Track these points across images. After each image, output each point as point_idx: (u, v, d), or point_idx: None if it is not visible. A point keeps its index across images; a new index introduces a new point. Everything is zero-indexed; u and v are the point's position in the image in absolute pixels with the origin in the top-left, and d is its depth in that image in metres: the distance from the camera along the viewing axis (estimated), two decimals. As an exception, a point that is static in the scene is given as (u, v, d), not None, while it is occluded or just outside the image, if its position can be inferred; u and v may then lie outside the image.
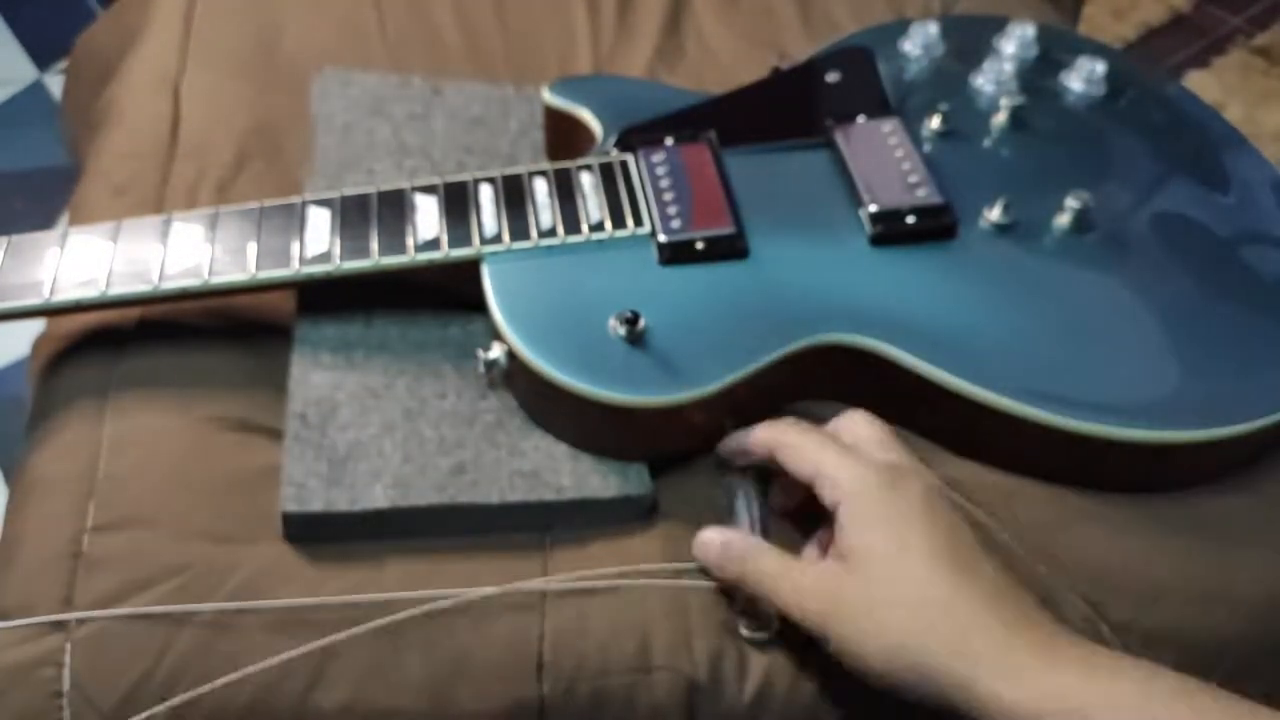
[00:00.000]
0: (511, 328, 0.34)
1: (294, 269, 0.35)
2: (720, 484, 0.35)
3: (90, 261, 0.36)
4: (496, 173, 0.38)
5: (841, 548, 0.30)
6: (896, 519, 0.29)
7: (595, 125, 0.41)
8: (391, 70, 0.47)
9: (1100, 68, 0.43)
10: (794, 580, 0.30)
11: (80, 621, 0.31)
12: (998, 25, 0.45)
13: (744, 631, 0.32)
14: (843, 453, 0.31)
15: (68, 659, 0.31)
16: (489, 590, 0.32)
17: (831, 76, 0.43)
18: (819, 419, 0.37)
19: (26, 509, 0.35)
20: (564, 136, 0.43)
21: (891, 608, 0.28)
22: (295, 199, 0.37)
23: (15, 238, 0.36)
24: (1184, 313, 0.37)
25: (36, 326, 0.40)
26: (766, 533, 0.33)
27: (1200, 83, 1.03)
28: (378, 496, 0.33)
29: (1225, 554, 0.35)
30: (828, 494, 0.31)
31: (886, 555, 0.29)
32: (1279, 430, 0.35)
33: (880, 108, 0.41)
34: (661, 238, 0.36)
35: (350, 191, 0.38)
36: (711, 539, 0.32)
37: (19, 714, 0.31)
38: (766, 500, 0.34)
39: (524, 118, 0.45)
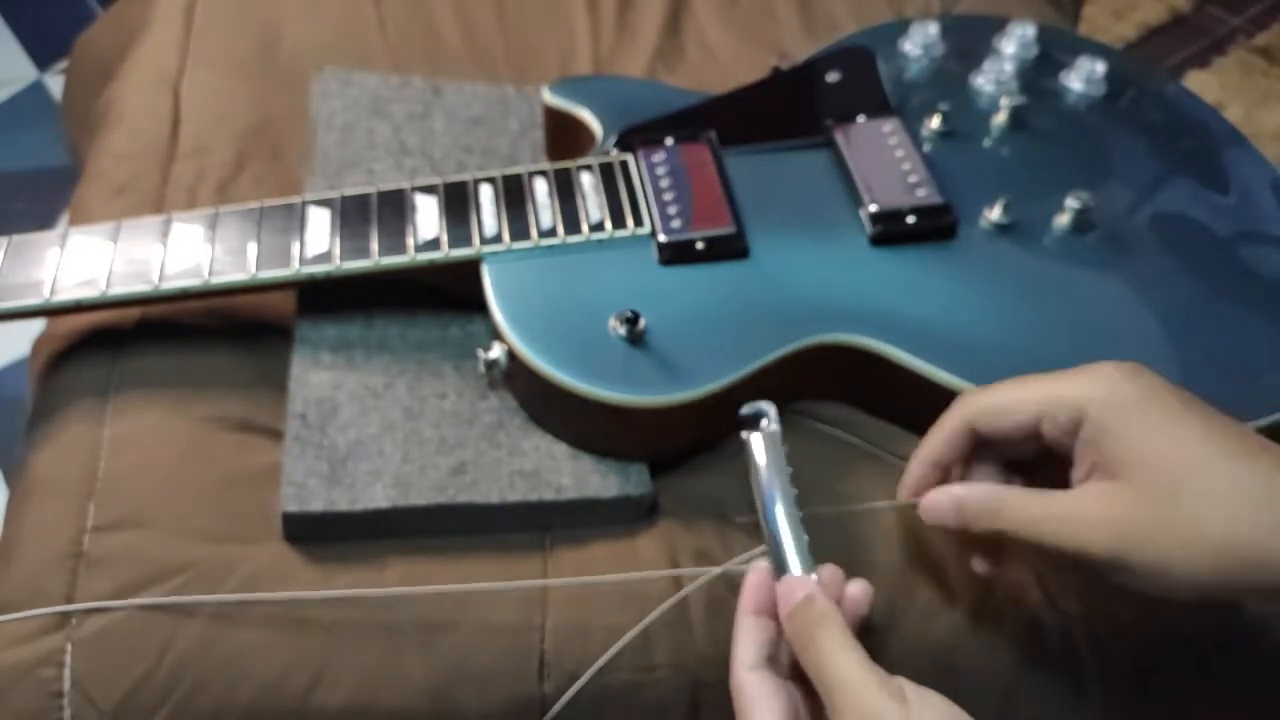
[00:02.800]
0: (511, 328, 0.34)
1: (294, 269, 0.35)
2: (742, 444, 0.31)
3: (90, 261, 0.36)
4: (496, 173, 0.38)
5: (1110, 465, 0.26)
6: (1161, 414, 0.26)
7: (595, 125, 0.41)
8: (391, 70, 0.47)
9: (1100, 68, 0.43)
10: (1066, 515, 0.26)
11: (80, 621, 0.31)
12: (998, 25, 0.45)
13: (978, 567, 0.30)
14: (1061, 375, 0.28)
15: (68, 659, 0.31)
16: (492, 586, 0.32)
17: (832, 76, 0.43)
18: (819, 419, 0.37)
19: (27, 509, 0.35)
20: (564, 136, 0.43)
21: (1206, 507, 0.25)
22: (295, 199, 0.37)
23: (15, 238, 0.36)
24: (1183, 312, 0.37)
25: (37, 326, 0.40)
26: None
27: (1200, 83, 1.03)
28: (378, 496, 0.33)
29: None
30: (1063, 417, 0.27)
31: (1173, 455, 0.25)
32: (1271, 434, 0.35)
33: (880, 107, 0.41)
34: (661, 238, 0.36)
35: (350, 191, 0.38)
36: (941, 500, 0.29)
37: (19, 713, 0.31)
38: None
39: (524, 118, 0.45)
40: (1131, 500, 0.26)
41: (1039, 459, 0.29)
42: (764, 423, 0.30)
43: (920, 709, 0.24)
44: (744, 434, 0.30)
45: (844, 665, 0.25)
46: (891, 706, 0.24)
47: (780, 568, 0.28)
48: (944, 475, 0.30)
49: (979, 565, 0.30)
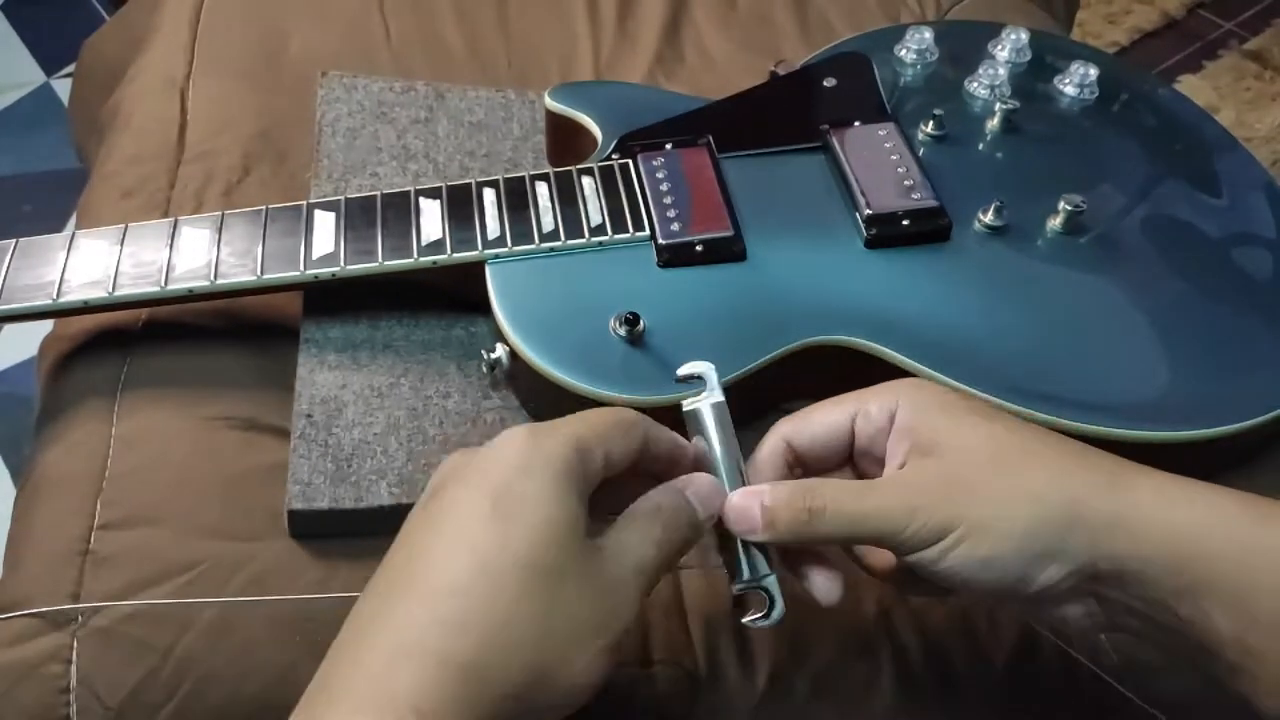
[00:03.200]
0: (514, 328, 0.35)
1: (300, 271, 0.36)
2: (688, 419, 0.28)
3: (98, 263, 0.36)
4: (499, 176, 0.39)
5: (922, 444, 0.26)
6: (959, 401, 0.27)
7: (596, 130, 0.42)
8: (396, 75, 0.48)
9: (1093, 72, 0.44)
10: (886, 499, 0.26)
11: (87, 618, 0.32)
12: (992, 31, 0.46)
13: (748, 620, 0.28)
14: (861, 393, 0.28)
15: (75, 655, 0.31)
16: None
17: (828, 82, 0.44)
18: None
19: (35, 507, 0.35)
20: (565, 141, 0.43)
21: (1025, 459, 0.25)
22: (301, 202, 0.38)
23: (24, 240, 0.37)
24: (1175, 314, 0.37)
25: (45, 327, 0.41)
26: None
27: (1192, 87, 1.04)
28: (382, 494, 0.33)
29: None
30: (875, 411, 0.27)
31: (984, 424, 0.26)
32: (1269, 430, 0.36)
33: (876, 112, 0.42)
34: (661, 240, 0.37)
35: (355, 195, 0.38)
36: (748, 503, 0.26)
37: (26, 709, 0.31)
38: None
39: (526, 122, 0.46)
40: (959, 468, 0.26)
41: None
42: (707, 392, 0.28)
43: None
44: (688, 405, 0.28)
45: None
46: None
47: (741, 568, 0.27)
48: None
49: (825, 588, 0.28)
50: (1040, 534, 0.25)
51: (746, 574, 0.27)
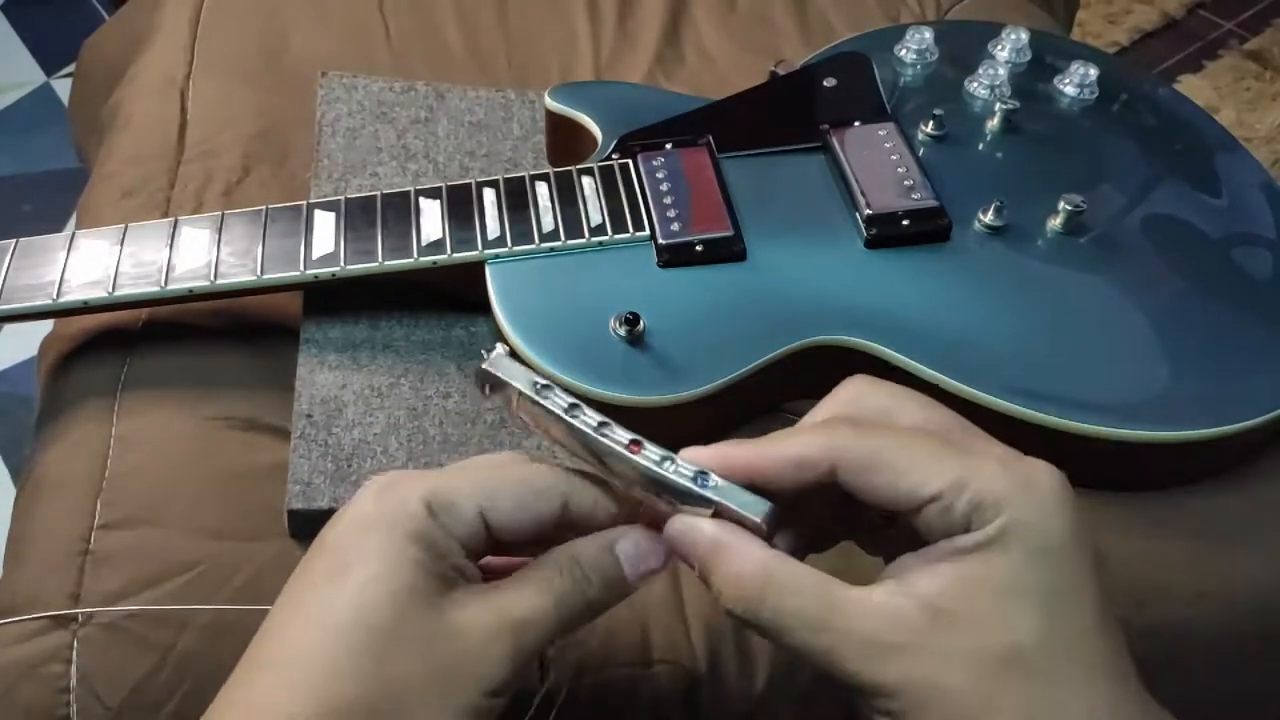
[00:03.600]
0: (514, 328, 0.35)
1: (300, 271, 0.36)
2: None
3: (98, 263, 0.36)
4: (499, 176, 0.39)
5: (942, 599, 0.20)
6: (1067, 573, 0.20)
7: (596, 130, 0.42)
8: (396, 75, 0.48)
9: (1093, 72, 0.44)
10: (846, 637, 0.20)
11: (87, 618, 0.32)
12: (992, 31, 0.46)
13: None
14: (980, 454, 0.21)
15: (75, 655, 0.31)
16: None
17: (828, 82, 0.44)
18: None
19: (35, 507, 0.35)
20: (565, 141, 0.43)
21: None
22: (301, 202, 0.38)
23: (24, 240, 0.37)
24: (1175, 314, 0.37)
25: (45, 327, 0.41)
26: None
27: (1192, 87, 1.04)
28: (382, 494, 0.33)
29: (1216, 554, 0.35)
30: (964, 503, 0.20)
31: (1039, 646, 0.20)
32: (1270, 431, 0.36)
33: (876, 112, 0.42)
34: (661, 240, 0.37)
35: (355, 195, 0.38)
36: (700, 533, 0.22)
37: (26, 709, 0.31)
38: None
39: (526, 122, 0.46)
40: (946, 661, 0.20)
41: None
42: (495, 352, 0.24)
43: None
44: (487, 365, 0.24)
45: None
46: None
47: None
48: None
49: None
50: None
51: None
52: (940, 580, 0.21)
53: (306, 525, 0.34)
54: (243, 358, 0.38)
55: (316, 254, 0.36)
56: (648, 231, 0.37)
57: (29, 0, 1.10)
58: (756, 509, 0.22)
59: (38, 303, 0.35)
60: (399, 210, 0.37)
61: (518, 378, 0.24)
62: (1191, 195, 0.42)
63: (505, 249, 0.37)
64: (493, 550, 0.24)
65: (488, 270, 0.36)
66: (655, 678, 0.32)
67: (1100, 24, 1.10)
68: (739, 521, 0.22)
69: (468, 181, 0.38)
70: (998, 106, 0.42)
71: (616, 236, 0.37)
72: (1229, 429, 0.34)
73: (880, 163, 0.40)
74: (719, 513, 0.22)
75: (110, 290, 0.36)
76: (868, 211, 0.38)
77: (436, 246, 0.36)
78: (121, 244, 0.37)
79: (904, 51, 0.45)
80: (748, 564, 0.22)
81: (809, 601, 0.21)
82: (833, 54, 0.45)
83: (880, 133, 0.41)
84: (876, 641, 0.20)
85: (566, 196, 0.38)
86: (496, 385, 0.24)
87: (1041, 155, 0.42)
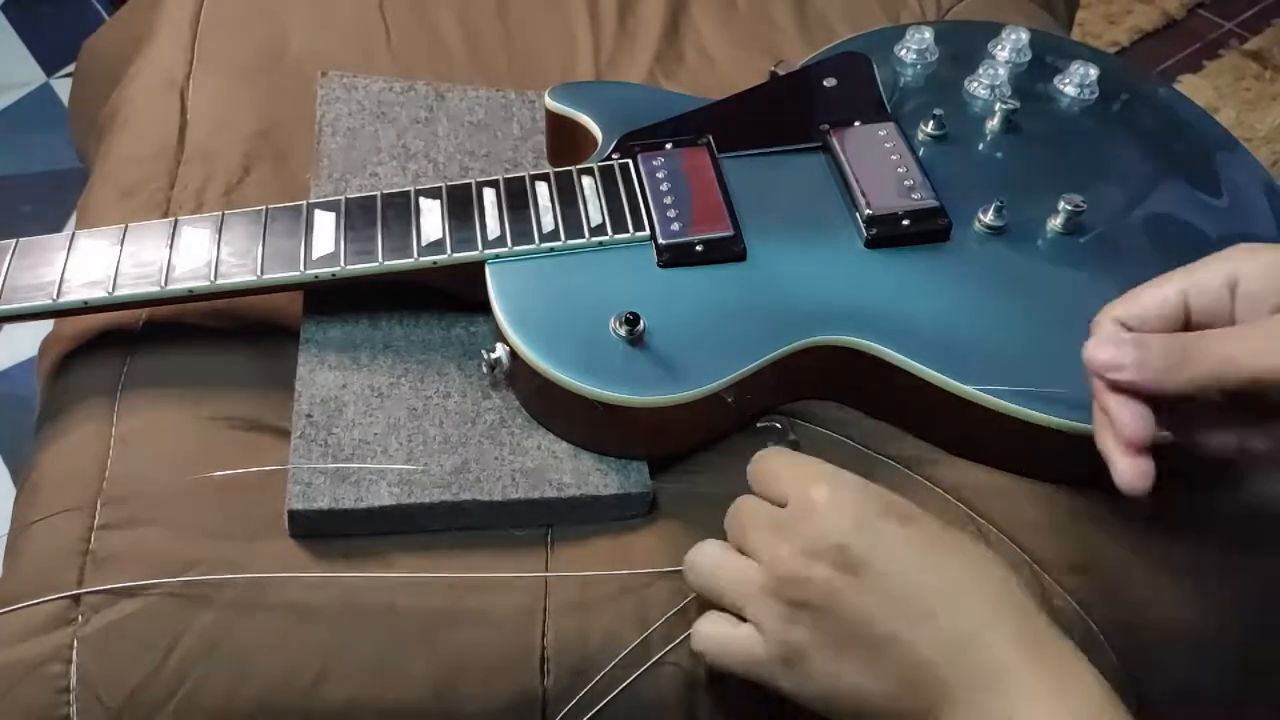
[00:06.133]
0: (514, 328, 0.35)
1: (300, 271, 0.36)
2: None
3: (98, 263, 0.36)
4: (499, 176, 0.39)
5: None
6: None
7: (596, 130, 0.42)
8: (396, 75, 0.48)
9: (1093, 72, 0.44)
10: (1259, 340, 0.25)
11: (87, 618, 0.32)
12: (992, 31, 0.46)
13: None
14: (1189, 268, 0.27)
15: (75, 655, 0.31)
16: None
17: (828, 82, 0.44)
18: (816, 420, 0.38)
19: (35, 507, 0.35)
20: (565, 141, 0.43)
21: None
22: (301, 202, 0.38)
23: (24, 240, 0.37)
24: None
25: (45, 327, 0.41)
26: None
27: (1192, 86, 1.04)
28: (383, 494, 0.33)
29: (1215, 555, 0.35)
30: (1207, 280, 0.27)
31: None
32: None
33: (876, 112, 0.42)
34: (661, 240, 0.37)
35: (355, 195, 0.38)
36: (1121, 341, 0.27)
37: (26, 709, 0.31)
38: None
39: (526, 122, 0.46)
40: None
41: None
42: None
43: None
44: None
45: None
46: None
47: None
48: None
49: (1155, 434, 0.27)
50: None
51: None
52: None
53: (307, 525, 0.34)
54: (243, 358, 0.38)
55: (316, 254, 0.36)
56: (648, 231, 0.37)
57: (29, 0, 1.10)
58: None
59: (38, 303, 0.35)
60: (399, 210, 0.37)
61: None
62: (1192, 195, 0.42)
63: (505, 249, 0.37)
64: None
65: (488, 270, 0.36)
66: (655, 678, 0.32)
67: (1100, 24, 1.10)
68: None
69: (468, 181, 0.38)
70: (998, 106, 0.42)
71: (616, 236, 0.37)
72: (1229, 429, 0.34)
73: (880, 163, 0.40)
74: None
75: (110, 290, 0.36)
76: (868, 211, 0.38)
77: (437, 246, 0.37)
78: (121, 244, 0.37)
79: (904, 51, 0.45)
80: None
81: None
82: (833, 54, 0.45)
83: (880, 133, 0.41)
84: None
85: (566, 196, 0.38)
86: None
87: (1042, 155, 0.42)
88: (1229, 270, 0.27)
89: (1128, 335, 0.27)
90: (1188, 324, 0.28)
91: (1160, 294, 0.28)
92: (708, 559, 0.30)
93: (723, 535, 0.32)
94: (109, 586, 0.32)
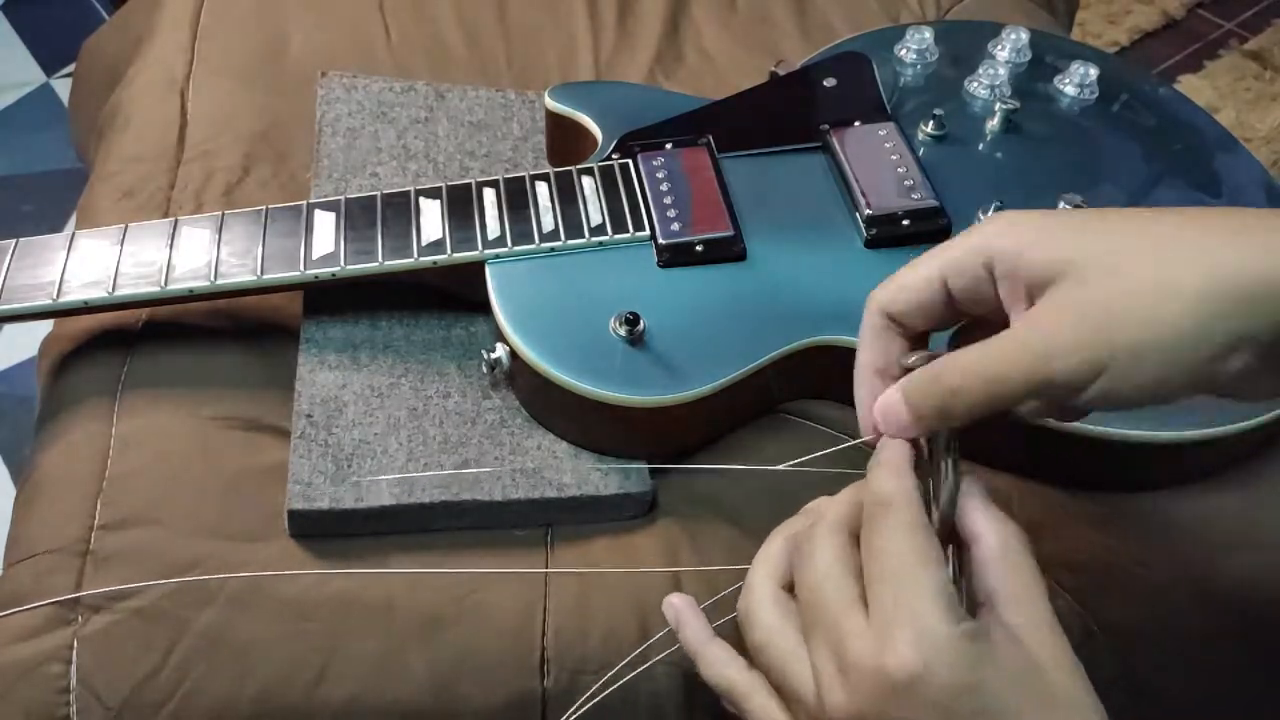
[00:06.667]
0: (514, 328, 0.35)
1: (300, 271, 0.36)
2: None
3: (98, 263, 0.36)
4: (499, 176, 0.39)
5: (1037, 280, 0.23)
6: (1054, 220, 0.23)
7: (596, 130, 0.42)
8: (396, 75, 0.48)
9: (1093, 72, 0.44)
10: (1019, 352, 0.23)
11: (87, 618, 0.32)
12: (992, 31, 0.46)
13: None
14: (944, 246, 0.25)
15: (75, 655, 0.31)
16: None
17: (828, 82, 0.44)
18: (816, 419, 0.38)
19: (35, 507, 0.35)
20: (565, 141, 0.43)
21: (1159, 252, 0.21)
22: (301, 202, 0.38)
23: (24, 240, 0.37)
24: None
25: (45, 327, 0.41)
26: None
27: (1192, 86, 1.04)
28: (383, 494, 0.33)
29: (1215, 555, 0.35)
30: (963, 259, 0.24)
31: (1095, 233, 0.23)
32: (1270, 430, 0.36)
33: (876, 112, 0.42)
34: (661, 240, 0.37)
35: (355, 195, 0.38)
36: (886, 402, 0.25)
37: (26, 709, 0.31)
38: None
39: (526, 122, 0.46)
40: (1085, 293, 0.22)
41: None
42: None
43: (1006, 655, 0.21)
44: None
45: (914, 569, 0.22)
46: (964, 645, 0.21)
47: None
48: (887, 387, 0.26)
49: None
50: (1212, 332, 0.21)
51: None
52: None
53: (306, 525, 0.34)
54: (243, 358, 0.38)
55: (316, 254, 0.36)
56: (648, 231, 0.37)
57: (29, 0, 1.10)
58: None
59: (38, 303, 0.35)
60: (399, 210, 0.37)
61: None
62: (1191, 195, 0.42)
63: (505, 249, 0.37)
64: None
65: (488, 270, 0.36)
66: (655, 678, 0.32)
67: (1100, 24, 1.10)
68: None
69: (468, 181, 0.38)
70: (998, 106, 0.42)
71: (616, 236, 0.37)
72: (1227, 429, 0.34)
73: (880, 162, 0.40)
74: None
75: (110, 290, 0.36)
76: (868, 211, 0.38)
77: (436, 246, 0.37)
78: (121, 244, 0.37)
79: (904, 51, 0.45)
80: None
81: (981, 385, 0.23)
82: (833, 54, 0.45)
83: (880, 132, 0.41)
84: (1045, 347, 0.22)
85: (566, 196, 0.38)
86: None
87: (1041, 155, 0.42)
88: (983, 249, 0.24)
89: (888, 398, 0.25)
90: (955, 307, 0.25)
91: (917, 276, 0.25)
92: (762, 629, 0.25)
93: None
94: (108, 589, 0.32)
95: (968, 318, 0.26)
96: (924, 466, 0.25)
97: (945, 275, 0.25)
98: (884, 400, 0.25)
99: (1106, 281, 0.22)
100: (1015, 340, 0.23)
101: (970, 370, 0.24)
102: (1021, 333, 0.23)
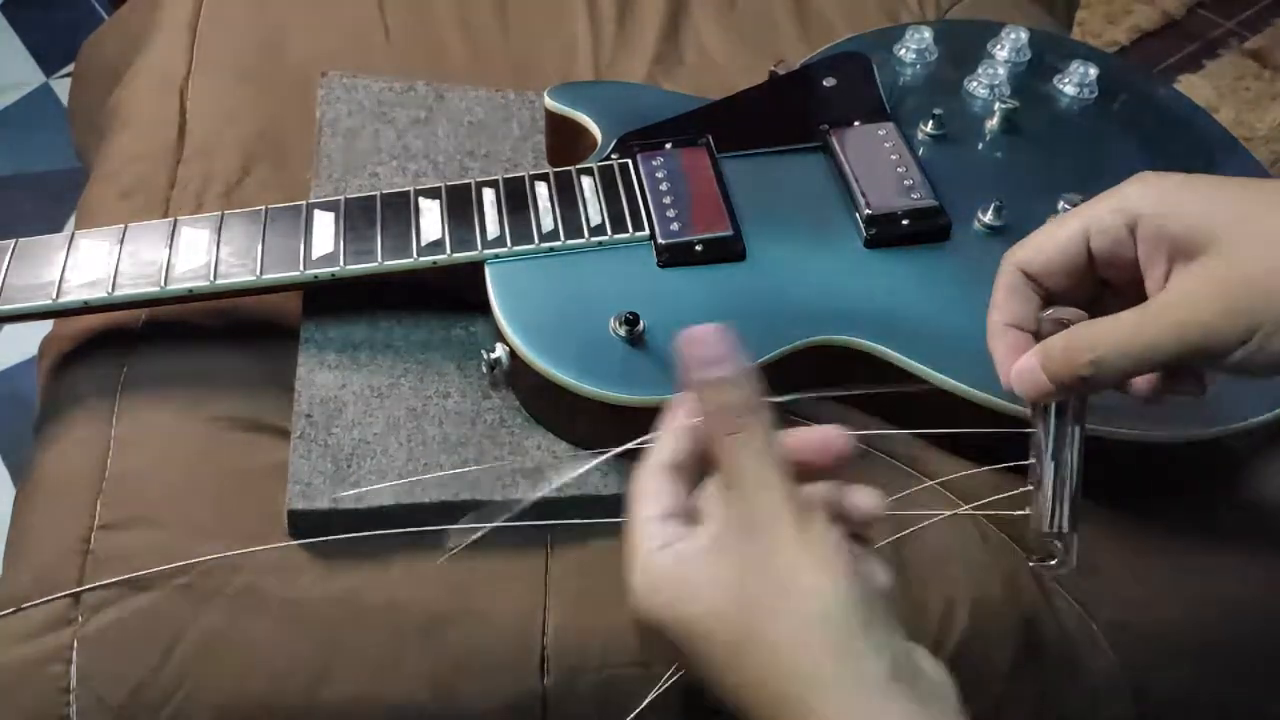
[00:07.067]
0: (513, 328, 0.35)
1: (300, 271, 0.36)
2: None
3: (97, 263, 0.36)
4: (499, 176, 0.39)
5: (1182, 246, 0.24)
6: (1200, 182, 0.25)
7: (595, 130, 0.42)
8: (396, 75, 0.48)
9: (1093, 71, 0.44)
10: (1167, 325, 0.24)
11: (88, 618, 0.32)
12: (991, 30, 0.46)
13: (1036, 564, 0.28)
14: (1089, 204, 0.26)
15: (75, 655, 0.31)
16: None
17: (828, 81, 0.44)
18: (816, 419, 0.38)
19: (35, 508, 0.35)
20: (565, 141, 0.43)
21: None
22: (301, 202, 0.38)
23: (23, 240, 0.37)
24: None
25: (45, 327, 0.41)
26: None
27: (1192, 86, 1.04)
28: (383, 494, 0.33)
29: (1214, 557, 0.35)
30: (1108, 219, 0.25)
31: (1246, 199, 0.24)
32: (1270, 431, 0.35)
33: (876, 112, 0.42)
34: (661, 240, 0.37)
35: (355, 195, 0.38)
36: (1027, 362, 0.26)
37: (27, 710, 0.31)
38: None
39: (525, 122, 0.46)
40: (1234, 265, 0.23)
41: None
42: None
43: (821, 540, 0.21)
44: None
45: (757, 464, 0.22)
46: (790, 524, 0.21)
47: None
48: (1025, 342, 0.27)
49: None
50: None
51: (1049, 526, 0.27)
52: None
53: (306, 525, 0.34)
54: (243, 358, 0.38)
55: (316, 254, 0.36)
56: (647, 231, 0.37)
57: (29, 0, 1.10)
58: None
59: (38, 303, 0.35)
60: (399, 210, 0.37)
61: None
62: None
63: (505, 249, 0.37)
64: None
65: (487, 270, 0.36)
66: (655, 678, 0.32)
67: (1100, 24, 1.10)
68: None
69: (467, 181, 0.38)
70: (997, 106, 0.42)
71: (616, 236, 0.37)
72: (1230, 428, 0.34)
73: (880, 162, 0.40)
74: None
75: (110, 290, 0.36)
76: (867, 211, 0.38)
77: (436, 246, 0.37)
78: (121, 244, 0.37)
79: (904, 51, 0.45)
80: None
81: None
82: (832, 54, 0.45)
83: (880, 132, 0.41)
84: (1194, 321, 0.24)
85: (566, 196, 0.38)
86: None
87: (1041, 155, 0.42)
88: (1126, 209, 0.25)
89: (1027, 363, 0.26)
90: (1093, 267, 0.26)
91: (1061, 236, 0.26)
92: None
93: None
94: (110, 580, 0.32)
95: (1100, 283, 0.27)
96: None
97: (1089, 233, 0.26)
98: (1022, 365, 0.26)
99: (1255, 253, 0.23)
100: (1168, 309, 0.24)
101: (1117, 339, 0.24)
102: (1173, 303, 0.24)
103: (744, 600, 0.22)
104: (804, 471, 0.24)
